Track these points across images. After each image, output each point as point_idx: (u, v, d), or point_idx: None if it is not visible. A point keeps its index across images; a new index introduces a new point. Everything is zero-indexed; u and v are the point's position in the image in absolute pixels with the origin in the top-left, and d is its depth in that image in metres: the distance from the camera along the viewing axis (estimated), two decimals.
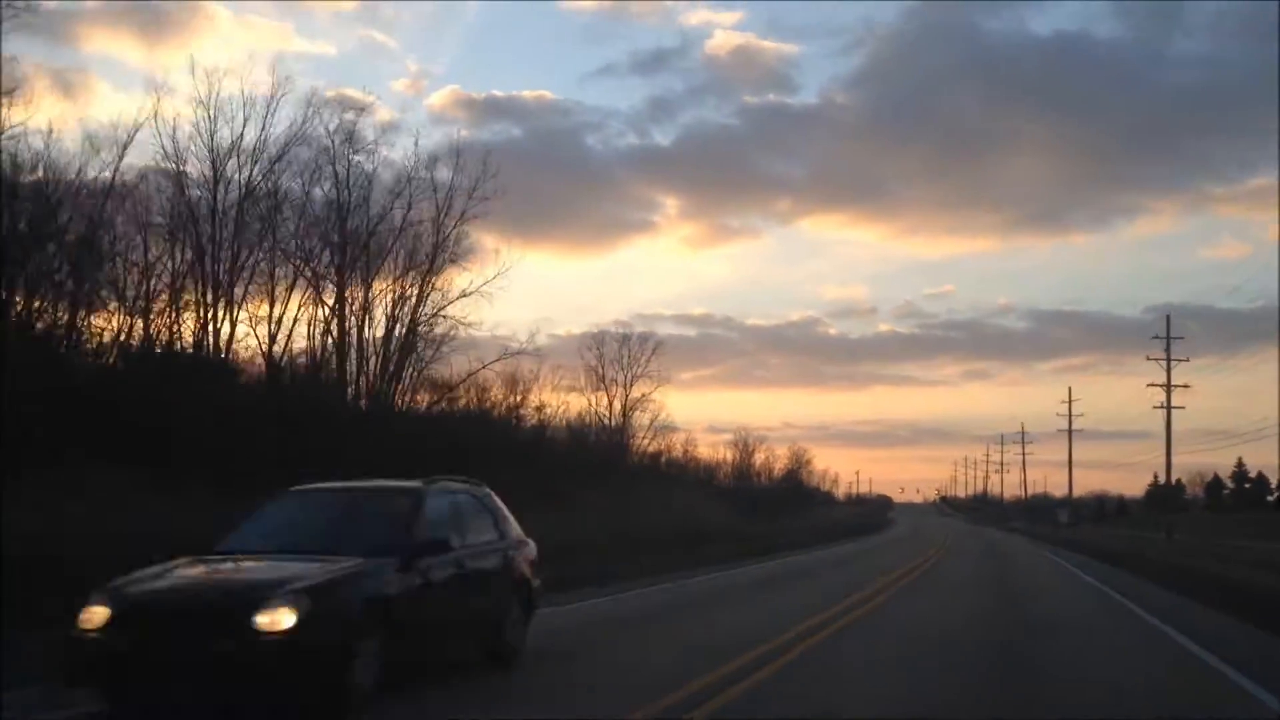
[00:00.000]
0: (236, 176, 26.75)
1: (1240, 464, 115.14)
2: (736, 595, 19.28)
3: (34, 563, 11.07)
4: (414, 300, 31.51)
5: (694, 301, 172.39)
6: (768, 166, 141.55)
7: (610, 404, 57.49)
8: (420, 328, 31.70)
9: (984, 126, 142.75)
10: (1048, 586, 24.34)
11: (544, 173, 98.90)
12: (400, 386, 31.63)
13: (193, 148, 26.23)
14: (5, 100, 19.29)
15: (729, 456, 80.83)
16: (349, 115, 30.19)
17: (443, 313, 32.09)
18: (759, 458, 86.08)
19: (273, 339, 27.76)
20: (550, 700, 8.98)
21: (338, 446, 20.73)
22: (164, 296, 24.26)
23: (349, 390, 29.84)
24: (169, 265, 24.99)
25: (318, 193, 29.52)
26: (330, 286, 29.73)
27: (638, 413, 58.17)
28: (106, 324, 22.47)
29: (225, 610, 7.52)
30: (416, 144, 40.25)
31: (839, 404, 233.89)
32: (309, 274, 29.11)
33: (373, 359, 30.90)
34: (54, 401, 16.52)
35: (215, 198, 26.03)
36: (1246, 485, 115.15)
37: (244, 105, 27.14)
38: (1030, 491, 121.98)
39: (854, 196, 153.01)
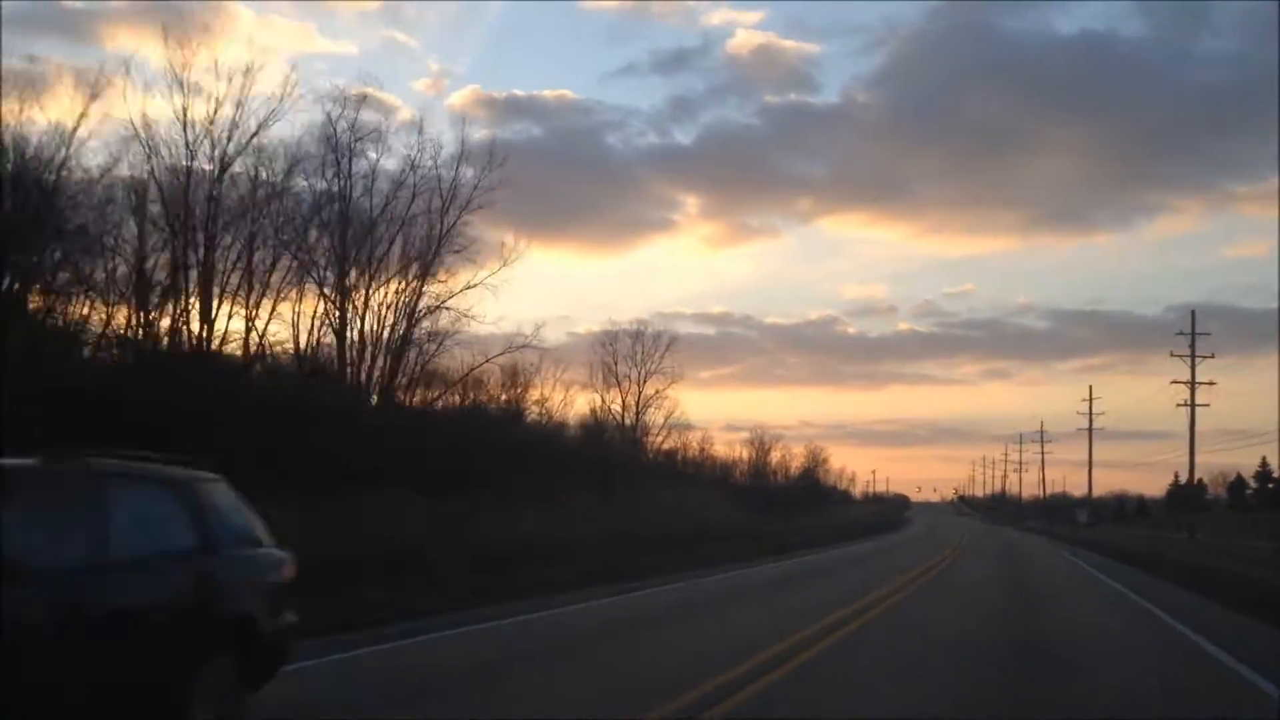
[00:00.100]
0: (237, 170, 26.54)
1: (1264, 463, 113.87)
2: (752, 594, 19.25)
3: None
4: (416, 292, 31.17)
5: (713, 300, 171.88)
6: (788, 166, 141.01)
7: (624, 401, 57.44)
8: (422, 320, 31.40)
9: (1006, 125, 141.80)
10: (1065, 588, 23.99)
11: (565, 172, 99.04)
12: (401, 381, 31.33)
13: (196, 143, 26.03)
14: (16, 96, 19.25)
15: (745, 455, 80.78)
16: (349, 110, 29.92)
17: (446, 305, 31.74)
18: (775, 456, 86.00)
19: (251, 331, 27.24)
20: (559, 701, 8.83)
21: (332, 442, 20.58)
22: (158, 291, 24.03)
23: (348, 383, 29.53)
24: (168, 260, 24.74)
25: (320, 184, 29.34)
26: (331, 279, 29.47)
27: (652, 410, 58.10)
28: (105, 319, 22.37)
29: None
30: (420, 132, 39.49)
31: (857, 403, 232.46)
32: (310, 266, 28.78)
33: (369, 349, 30.47)
34: (54, 401, 16.37)
35: (214, 190, 25.81)
36: (1270, 485, 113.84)
37: (248, 99, 26.84)
38: (1049, 491, 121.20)
39: (874, 196, 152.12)
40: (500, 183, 32.01)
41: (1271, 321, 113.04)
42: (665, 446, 59.94)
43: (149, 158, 24.69)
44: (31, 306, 20.26)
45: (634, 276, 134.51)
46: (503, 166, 32.19)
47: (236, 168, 26.31)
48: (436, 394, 32.90)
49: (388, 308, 30.78)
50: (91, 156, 23.07)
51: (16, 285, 19.67)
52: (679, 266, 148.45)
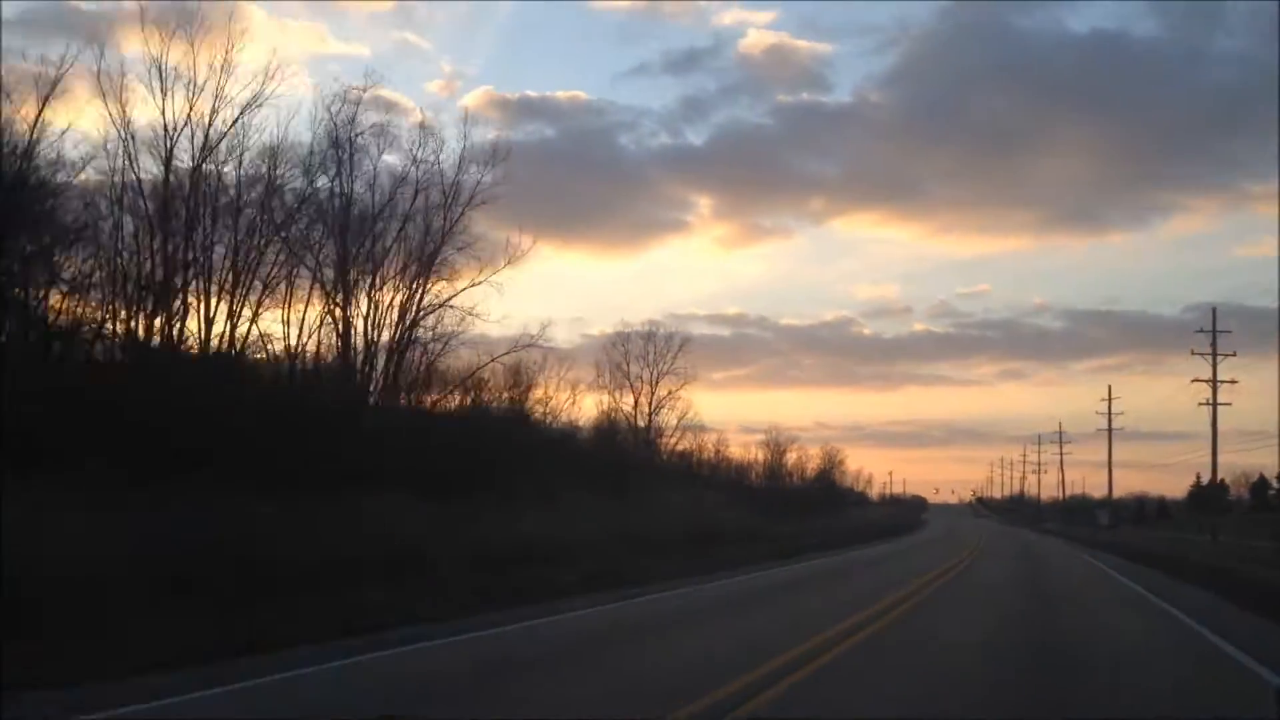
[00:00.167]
0: (237, 169, 26.37)
1: None
2: (763, 599, 19.08)
3: None
4: (419, 288, 30.74)
5: (727, 301, 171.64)
6: (801, 166, 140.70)
7: (636, 402, 57.15)
8: (425, 318, 30.96)
9: (1019, 125, 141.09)
10: (1081, 590, 23.60)
11: (577, 173, 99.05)
12: (404, 381, 30.98)
13: (196, 142, 25.86)
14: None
15: (761, 457, 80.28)
16: (349, 107, 29.69)
17: (450, 304, 31.25)
18: (791, 458, 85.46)
19: (252, 331, 26.96)
20: (569, 704, 8.67)
21: (332, 442, 20.39)
22: (158, 290, 23.87)
23: (350, 382, 29.27)
24: (165, 260, 24.56)
25: (323, 182, 29.08)
26: (332, 276, 29.20)
27: (665, 411, 57.80)
28: (104, 319, 22.24)
29: None
30: (422, 126, 39.06)
31: (873, 404, 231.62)
32: (313, 265, 28.57)
33: (371, 348, 30.25)
34: (54, 401, 16.21)
35: (213, 190, 25.63)
36: None
37: (254, 99, 26.70)
38: (1068, 493, 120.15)
39: (887, 195, 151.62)
40: (505, 177, 31.67)
41: None
42: (679, 448, 59.75)
43: (151, 157, 24.63)
44: (31, 306, 20.14)
45: (647, 278, 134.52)
46: (506, 161, 31.92)
47: (235, 167, 26.20)
48: (439, 395, 32.66)
49: (390, 306, 30.50)
50: (91, 157, 23.02)
51: (16, 287, 19.56)
52: (692, 267, 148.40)
